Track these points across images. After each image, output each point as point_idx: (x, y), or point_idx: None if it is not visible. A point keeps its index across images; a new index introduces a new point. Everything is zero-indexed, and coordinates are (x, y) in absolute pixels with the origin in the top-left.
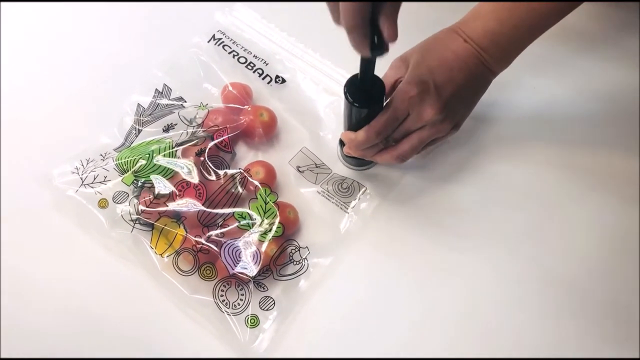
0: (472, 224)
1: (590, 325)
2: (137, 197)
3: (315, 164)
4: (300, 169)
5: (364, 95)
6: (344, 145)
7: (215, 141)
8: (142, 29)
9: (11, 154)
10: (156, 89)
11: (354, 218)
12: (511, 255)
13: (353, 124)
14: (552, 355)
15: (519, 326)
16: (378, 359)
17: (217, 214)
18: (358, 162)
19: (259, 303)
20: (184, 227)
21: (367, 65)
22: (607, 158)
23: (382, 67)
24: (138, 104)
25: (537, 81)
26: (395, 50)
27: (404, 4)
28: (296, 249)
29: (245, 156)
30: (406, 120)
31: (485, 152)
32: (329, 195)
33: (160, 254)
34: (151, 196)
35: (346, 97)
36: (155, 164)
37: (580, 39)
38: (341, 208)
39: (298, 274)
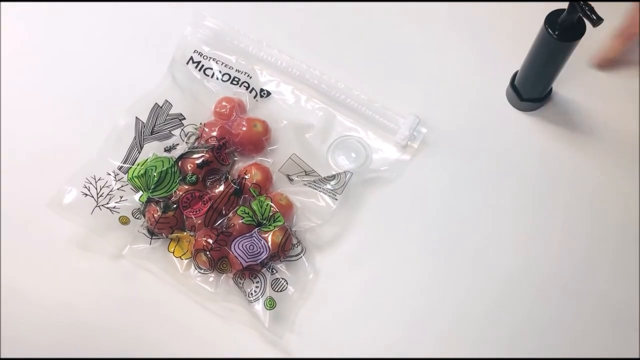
0: (463, 216)
1: (590, 325)
2: (144, 211)
3: (305, 172)
4: (290, 177)
5: (567, 29)
6: (515, 89)
7: (215, 153)
8: (130, 36)
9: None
10: (156, 104)
11: (343, 200)
12: (504, 251)
13: (544, 60)
14: (552, 355)
15: (516, 325)
16: (378, 359)
17: (222, 215)
18: (529, 106)
19: (272, 286)
20: (195, 234)
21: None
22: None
23: None
24: (136, 117)
25: None
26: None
27: None
28: (295, 233)
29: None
30: None
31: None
32: (315, 186)
33: (180, 257)
34: (158, 211)
35: (547, 31)
36: (161, 179)
37: None
38: (330, 195)
39: (301, 254)
